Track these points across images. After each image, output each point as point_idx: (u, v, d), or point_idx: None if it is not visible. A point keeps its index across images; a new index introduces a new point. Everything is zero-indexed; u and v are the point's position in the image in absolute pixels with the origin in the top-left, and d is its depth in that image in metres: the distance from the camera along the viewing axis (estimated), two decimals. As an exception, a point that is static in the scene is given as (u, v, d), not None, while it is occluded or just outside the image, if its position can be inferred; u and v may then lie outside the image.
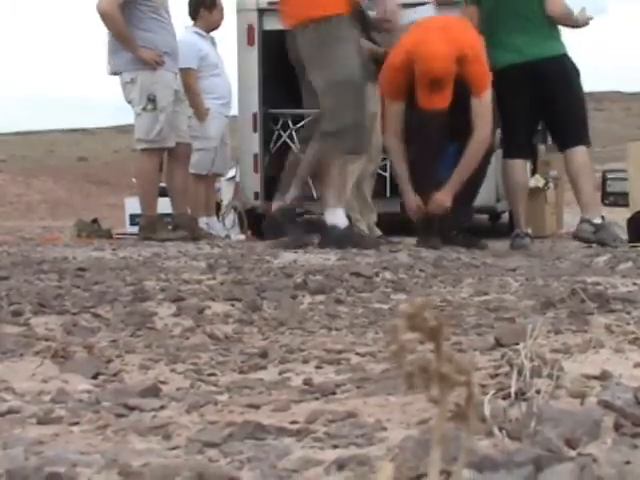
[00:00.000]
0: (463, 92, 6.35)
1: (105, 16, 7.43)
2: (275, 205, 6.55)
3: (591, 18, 7.07)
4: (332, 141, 6.23)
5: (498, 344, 2.20)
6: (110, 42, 7.62)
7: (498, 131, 11.44)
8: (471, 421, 0.95)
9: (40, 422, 1.62)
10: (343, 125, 6.19)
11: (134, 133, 7.79)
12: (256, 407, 1.69)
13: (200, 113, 8.70)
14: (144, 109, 7.55)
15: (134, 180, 8.97)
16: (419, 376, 0.93)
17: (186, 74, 8.58)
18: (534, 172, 10.65)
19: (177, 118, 7.80)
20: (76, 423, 1.62)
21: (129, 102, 7.68)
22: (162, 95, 7.58)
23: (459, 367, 0.94)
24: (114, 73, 7.69)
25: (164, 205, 7.99)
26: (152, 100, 7.54)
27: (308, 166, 6.37)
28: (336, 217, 6.36)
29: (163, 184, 8.03)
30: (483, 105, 6.46)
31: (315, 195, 10.24)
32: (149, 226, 7.59)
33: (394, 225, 7.74)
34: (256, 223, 9.71)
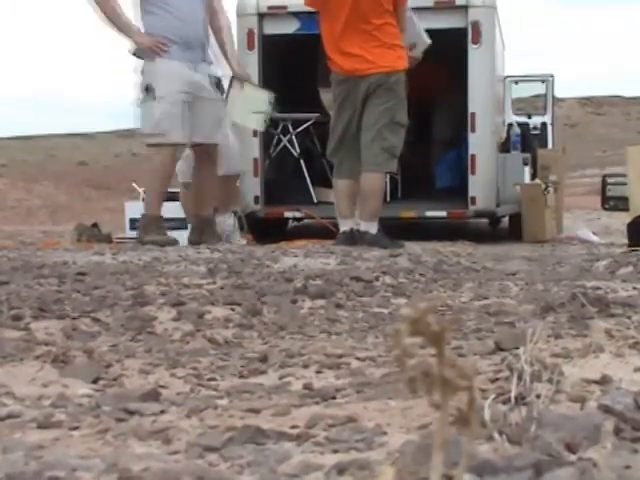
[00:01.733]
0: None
1: None
2: None
3: None
4: (385, 164, 7.17)
5: (498, 348, 2.20)
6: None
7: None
8: (473, 426, 0.95)
9: (40, 426, 1.62)
10: (396, 153, 7.22)
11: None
12: (256, 411, 1.69)
13: None
14: (141, 100, 7.17)
15: (134, 184, 8.93)
16: (422, 381, 0.93)
17: None
18: (534, 176, 10.66)
19: (197, 114, 7.24)
20: (76, 428, 1.62)
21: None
22: (162, 85, 7.08)
23: (461, 372, 0.94)
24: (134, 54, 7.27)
25: (168, 210, 7.79)
26: (149, 90, 7.11)
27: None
28: (371, 226, 7.16)
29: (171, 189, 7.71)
30: None
31: (315, 199, 10.29)
32: (145, 226, 7.21)
33: (393, 230, 7.74)
34: (256, 227, 9.72)
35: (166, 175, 7.33)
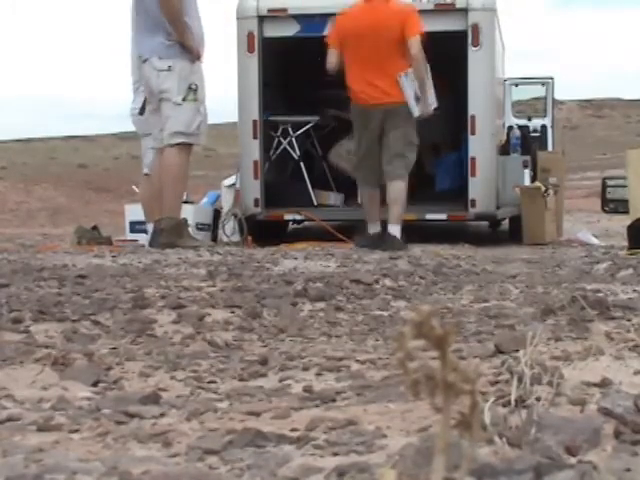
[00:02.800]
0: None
1: None
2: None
3: None
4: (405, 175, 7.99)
5: (498, 351, 2.20)
6: (140, 23, 7.02)
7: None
8: (475, 429, 0.95)
9: (40, 429, 1.62)
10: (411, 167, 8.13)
11: (167, 126, 6.92)
12: (256, 414, 1.69)
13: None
14: (185, 99, 6.91)
15: (134, 187, 8.90)
16: (425, 384, 0.93)
17: None
18: (534, 179, 10.66)
19: None
20: (76, 430, 1.62)
21: (160, 92, 6.94)
22: (202, 88, 7.03)
23: (464, 376, 0.94)
24: (141, 57, 7.07)
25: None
26: (194, 90, 6.94)
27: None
28: (397, 229, 7.75)
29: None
30: None
31: (315, 202, 10.29)
32: (174, 230, 6.86)
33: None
34: (256, 230, 9.72)
35: (186, 177, 7.23)
